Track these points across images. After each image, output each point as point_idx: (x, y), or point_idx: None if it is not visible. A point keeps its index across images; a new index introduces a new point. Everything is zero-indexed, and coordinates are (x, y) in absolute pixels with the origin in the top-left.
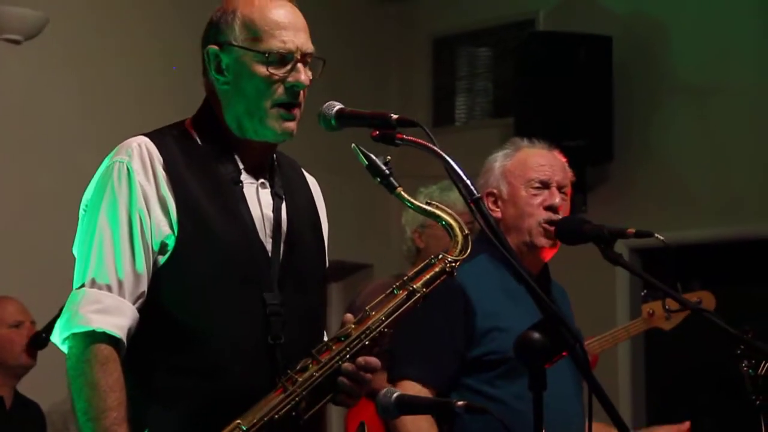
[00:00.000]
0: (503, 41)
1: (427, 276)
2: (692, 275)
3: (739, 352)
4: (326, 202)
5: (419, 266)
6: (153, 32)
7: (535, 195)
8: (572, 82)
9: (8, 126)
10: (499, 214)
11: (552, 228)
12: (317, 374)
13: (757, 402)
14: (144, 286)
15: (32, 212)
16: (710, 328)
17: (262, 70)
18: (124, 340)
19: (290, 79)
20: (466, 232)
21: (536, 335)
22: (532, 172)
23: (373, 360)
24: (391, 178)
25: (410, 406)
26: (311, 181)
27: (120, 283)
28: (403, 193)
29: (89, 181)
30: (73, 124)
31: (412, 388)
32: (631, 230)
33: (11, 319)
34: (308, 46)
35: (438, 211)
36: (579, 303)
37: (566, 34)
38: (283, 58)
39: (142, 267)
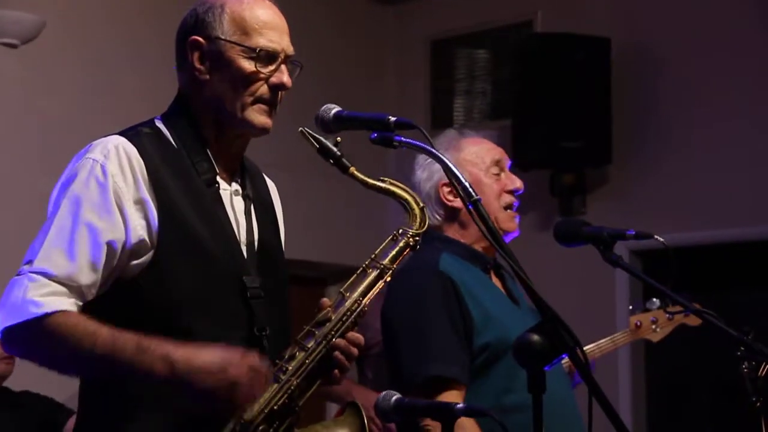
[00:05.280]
0: (502, 43)
1: (393, 253)
2: (692, 277)
3: (739, 353)
4: (324, 205)
5: (384, 244)
6: (152, 34)
7: (497, 180)
8: (571, 83)
9: (7, 130)
10: (458, 204)
11: (515, 213)
12: (308, 361)
13: (758, 404)
14: (95, 289)
15: (32, 216)
16: (711, 330)
17: (248, 65)
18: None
19: (274, 79)
20: (422, 205)
21: (535, 337)
22: (487, 157)
23: (359, 335)
24: (343, 159)
25: (410, 409)
26: (270, 184)
27: (69, 277)
28: (356, 172)
29: None
30: (71, 127)
31: (447, 392)
32: (631, 232)
33: None
34: (291, 49)
35: (392, 188)
36: (578, 305)
37: (565, 36)
38: (270, 57)
39: (99, 267)
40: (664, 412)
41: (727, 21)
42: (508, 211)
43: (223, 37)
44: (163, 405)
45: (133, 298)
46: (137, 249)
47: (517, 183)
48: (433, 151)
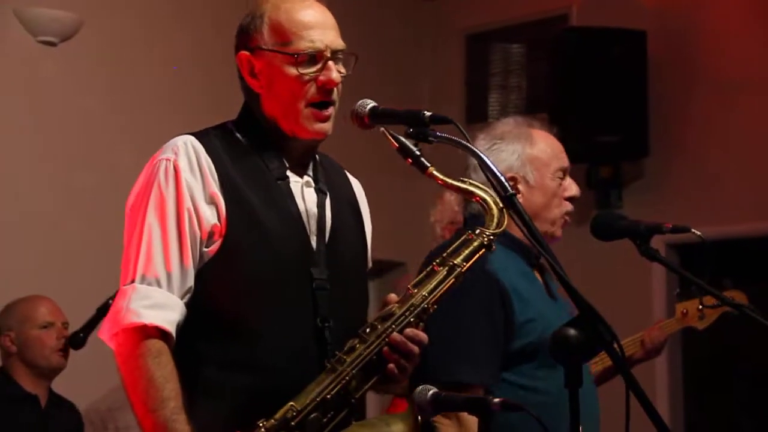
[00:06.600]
0: (537, 37)
1: (467, 251)
2: (729, 270)
3: None
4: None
5: (458, 242)
6: (187, 32)
7: (560, 185)
8: (606, 77)
9: (45, 127)
10: (521, 200)
11: (568, 221)
12: (366, 353)
13: None
14: (191, 281)
15: (69, 212)
16: (748, 323)
17: (292, 71)
18: (174, 334)
19: (321, 77)
20: (501, 205)
21: (572, 332)
22: (556, 161)
23: (421, 333)
24: (422, 159)
25: (447, 404)
26: (354, 182)
27: (169, 279)
28: (435, 172)
29: (125, 180)
30: (109, 124)
31: (471, 391)
32: (668, 225)
33: (42, 320)
34: (338, 43)
35: (471, 188)
36: (615, 299)
37: (600, 29)
38: (313, 58)
39: (190, 263)
40: (701, 405)
41: (765, 12)
42: (564, 218)
43: (265, 47)
44: (226, 392)
45: (201, 285)
46: (210, 240)
47: (575, 190)
48: (469, 146)
